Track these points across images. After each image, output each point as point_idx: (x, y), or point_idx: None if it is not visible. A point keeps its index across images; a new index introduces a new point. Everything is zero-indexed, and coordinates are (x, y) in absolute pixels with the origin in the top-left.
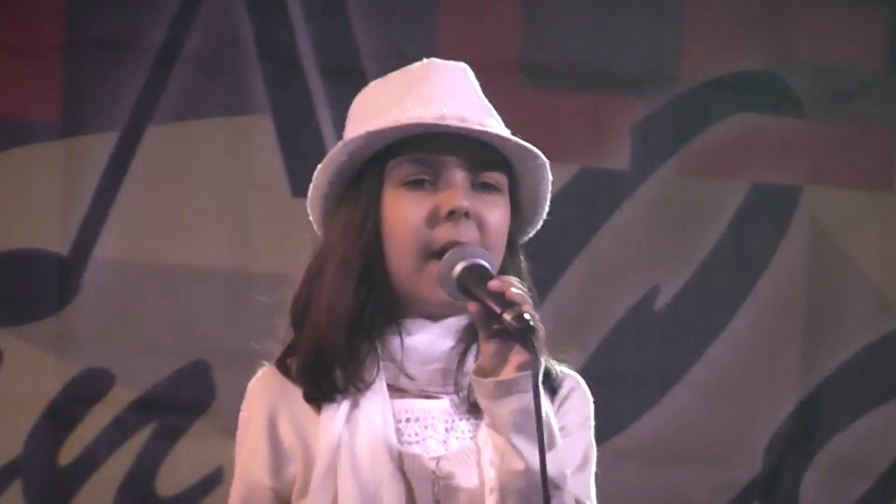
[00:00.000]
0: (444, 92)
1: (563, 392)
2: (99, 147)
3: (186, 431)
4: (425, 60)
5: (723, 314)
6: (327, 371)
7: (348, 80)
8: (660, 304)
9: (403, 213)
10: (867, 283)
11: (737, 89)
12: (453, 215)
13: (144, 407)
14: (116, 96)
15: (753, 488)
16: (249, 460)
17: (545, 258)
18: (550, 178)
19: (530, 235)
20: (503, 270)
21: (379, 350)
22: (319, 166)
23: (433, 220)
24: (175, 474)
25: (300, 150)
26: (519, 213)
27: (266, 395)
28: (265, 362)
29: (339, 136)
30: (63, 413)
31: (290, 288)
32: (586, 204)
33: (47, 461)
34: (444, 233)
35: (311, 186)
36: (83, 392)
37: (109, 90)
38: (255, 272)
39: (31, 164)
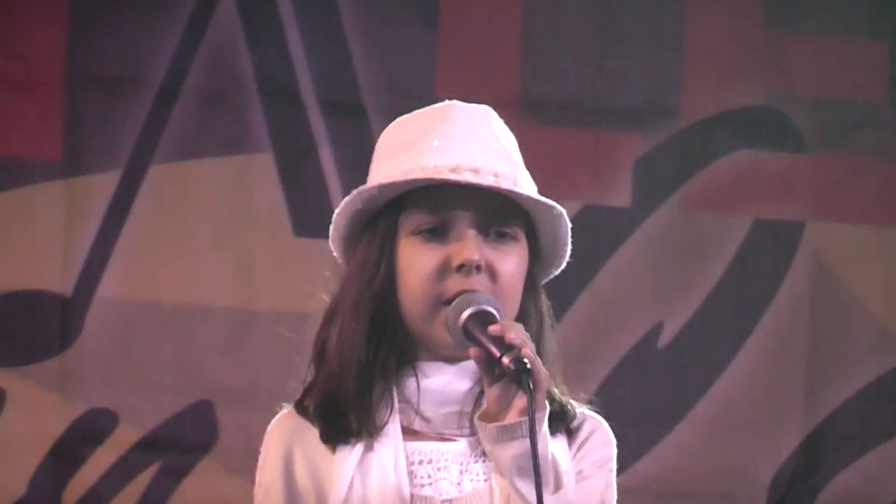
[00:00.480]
0: (462, 137)
1: (582, 434)
2: (101, 186)
3: (191, 470)
4: (448, 102)
5: (726, 350)
6: (341, 414)
7: (349, 116)
8: (663, 340)
9: (415, 263)
10: (871, 318)
11: (738, 125)
12: (463, 269)
13: (149, 446)
14: (117, 134)
15: None
16: (265, 500)
17: (548, 296)
18: (569, 225)
19: (554, 275)
20: (523, 312)
21: (395, 392)
22: (337, 210)
23: (444, 271)
24: None
25: (301, 187)
26: (540, 255)
27: (283, 436)
28: (285, 404)
29: (340, 171)
30: (67, 453)
31: (294, 326)
32: (589, 241)
33: (52, 502)
34: (454, 284)
35: (332, 227)
36: (87, 432)
37: (110, 128)
38: (257, 310)
39: (33, 203)
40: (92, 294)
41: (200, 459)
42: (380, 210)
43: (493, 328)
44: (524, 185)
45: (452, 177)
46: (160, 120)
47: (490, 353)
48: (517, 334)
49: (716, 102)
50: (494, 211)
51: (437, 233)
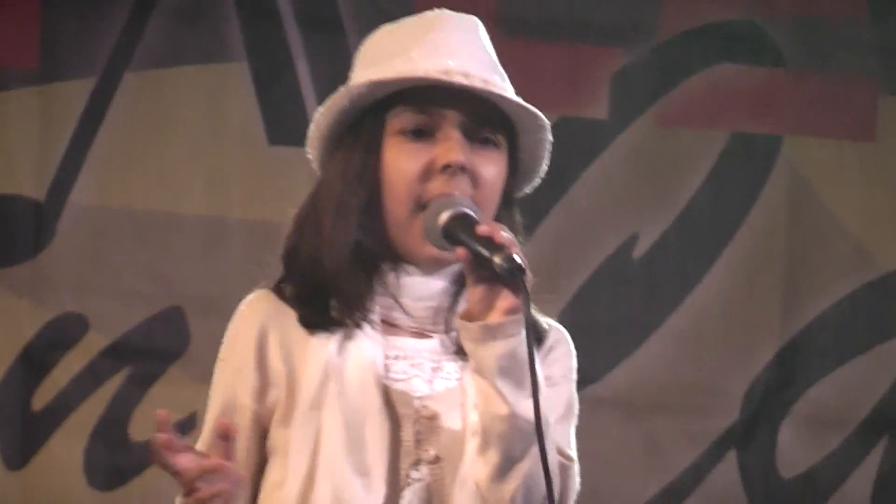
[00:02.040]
0: (451, 44)
1: (548, 343)
2: (76, 93)
3: (160, 377)
4: (437, 10)
5: (702, 263)
6: (324, 300)
7: (326, 30)
8: (638, 252)
9: (400, 163)
10: (847, 232)
11: (717, 39)
12: (448, 169)
13: (118, 353)
14: (94, 43)
15: (731, 436)
16: (234, 378)
17: (523, 206)
18: (550, 138)
19: (526, 192)
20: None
21: (374, 286)
22: (320, 109)
23: (428, 172)
24: (148, 420)
25: (277, 99)
26: (516, 170)
27: (258, 316)
28: (256, 289)
29: (316, 86)
30: (37, 358)
31: (267, 235)
32: (564, 153)
33: (21, 406)
34: (437, 186)
35: (312, 127)
36: (57, 337)
37: (87, 37)
38: (230, 219)
39: (8, 110)
40: (65, 200)
41: (170, 366)
42: (364, 112)
43: (481, 228)
44: (510, 92)
45: (444, 78)
46: (136, 29)
47: (478, 254)
48: (506, 234)
49: (695, 16)
50: (481, 115)
51: (423, 133)
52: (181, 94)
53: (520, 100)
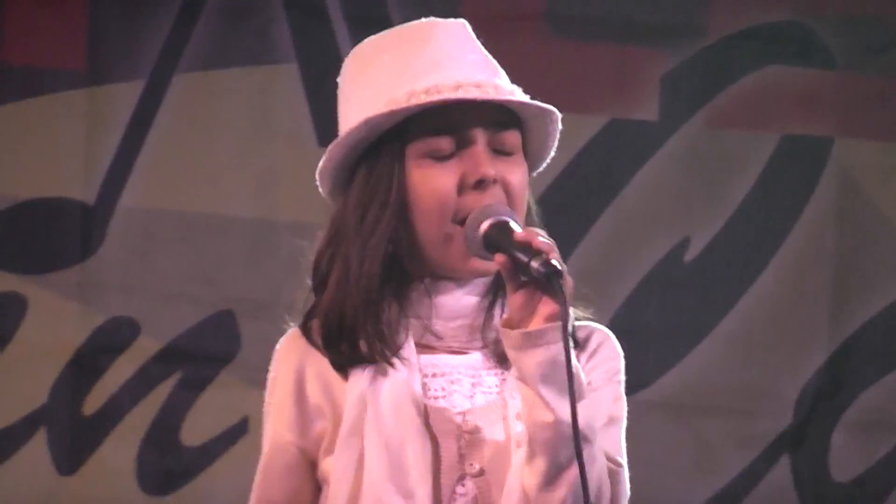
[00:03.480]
0: (451, 55)
1: (591, 346)
2: (124, 96)
3: (212, 381)
4: (423, 20)
5: (753, 266)
6: (352, 340)
7: (375, 28)
8: (689, 256)
9: (431, 184)
10: None
11: (766, 40)
12: (481, 184)
13: (169, 357)
14: (142, 45)
15: (783, 441)
16: (278, 419)
17: (574, 210)
18: (560, 127)
19: (531, 176)
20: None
21: (405, 309)
22: (336, 142)
23: (461, 188)
24: (200, 424)
25: (326, 99)
26: (528, 156)
27: (292, 355)
28: (291, 322)
29: None
30: (88, 362)
31: (316, 237)
32: (615, 156)
33: (72, 410)
34: (472, 200)
35: (324, 160)
36: (108, 341)
37: (134, 38)
38: (279, 221)
39: (56, 112)
40: (114, 203)
41: (221, 370)
42: (379, 136)
43: (519, 235)
44: (517, 91)
45: (461, 94)
46: (184, 31)
47: (517, 259)
48: (544, 240)
49: (743, 18)
50: (498, 123)
51: (447, 151)
52: (230, 95)
53: (531, 100)
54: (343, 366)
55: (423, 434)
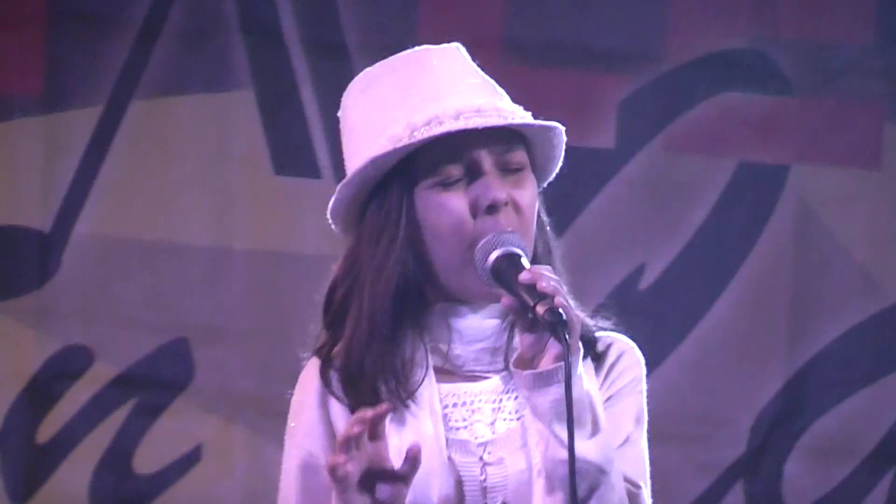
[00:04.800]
0: (449, 83)
1: (610, 358)
2: (81, 122)
3: (166, 409)
4: (418, 48)
5: (709, 293)
6: (372, 387)
7: (331, 56)
8: (645, 282)
9: (443, 212)
10: (854, 262)
11: (723, 67)
12: (493, 209)
13: (124, 384)
14: (99, 71)
15: (738, 467)
16: (307, 440)
17: None
18: (565, 139)
19: (542, 187)
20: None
21: (423, 336)
22: (343, 182)
23: (473, 213)
24: (154, 452)
25: (282, 126)
26: (535, 170)
27: (316, 381)
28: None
29: (322, 113)
30: (42, 389)
31: (272, 264)
32: (571, 182)
33: (26, 438)
34: (485, 226)
35: (334, 199)
36: (63, 368)
37: (92, 64)
38: (235, 249)
39: (13, 139)
40: (70, 230)
41: (176, 397)
42: (386, 171)
43: (523, 276)
44: (518, 111)
45: (462, 125)
46: (141, 57)
47: (523, 302)
48: (548, 282)
49: (701, 45)
50: (503, 143)
51: (455, 179)
52: (187, 121)
53: (532, 119)
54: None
55: (447, 469)
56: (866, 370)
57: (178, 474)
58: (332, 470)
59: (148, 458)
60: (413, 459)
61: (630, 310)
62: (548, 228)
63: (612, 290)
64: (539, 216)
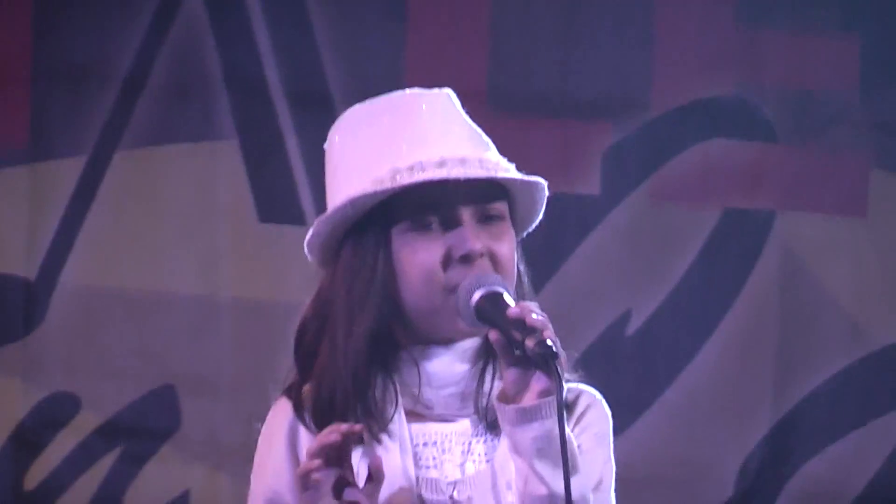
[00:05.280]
0: (436, 130)
1: (579, 409)
2: (66, 172)
3: (152, 456)
4: (408, 91)
5: (695, 339)
6: (342, 420)
7: (316, 107)
8: (631, 329)
9: (417, 258)
10: (840, 309)
11: (708, 115)
12: (468, 258)
13: (111, 432)
14: (84, 122)
15: None
16: (273, 478)
17: None
18: (547, 193)
19: (521, 237)
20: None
21: (394, 378)
22: (321, 218)
23: (447, 263)
24: (141, 499)
25: (267, 176)
26: (515, 221)
27: (284, 420)
28: (274, 395)
29: (307, 162)
30: (29, 438)
31: (258, 314)
32: (557, 229)
33: (13, 486)
34: (458, 275)
35: (311, 232)
36: (49, 417)
37: (77, 116)
38: (221, 298)
39: None
40: (56, 279)
41: (162, 446)
42: (365, 213)
43: (512, 311)
44: (502, 163)
45: (443, 174)
46: (126, 109)
47: (512, 337)
48: (538, 316)
49: (686, 93)
50: (483, 194)
51: (432, 225)
52: (171, 172)
53: (514, 169)
54: None
55: None
56: (853, 415)
57: None
58: (304, 476)
59: None
60: (376, 474)
61: (616, 356)
62: (525, 280)
63: (598, 335)
64: (518, 268)
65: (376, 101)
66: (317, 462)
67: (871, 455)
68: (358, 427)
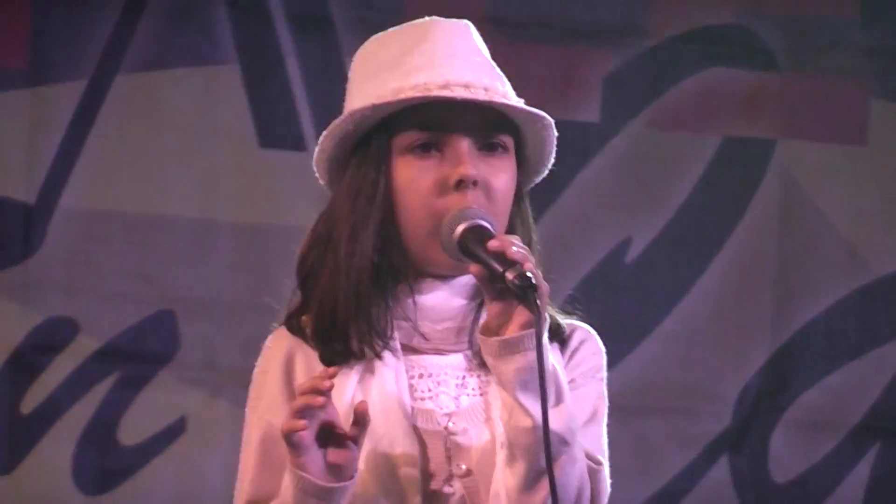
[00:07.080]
0: (447, 53)
1: (573, 344)
2: (66, 95)
3: (150, 381)
4: (427, 18)
5: (694, 267)
6: (343, 334)
7: (316, 29)
8: (630, 256)
9: (412, 181)
10: (840, 237)
11: (708, 42)
12: (461, 185)
13: (108, 356)
14: (84, 45)
15: (723, 440)
16: (269, 412)
17: None
18: (556, 134)
19: (535, 182)
20: (511, 222)
21: (392, 309)
22: (324, 133)
23: (442, 188)
24: (138, 424)
25: (268, 100)
26: (524, 164)
27: (281, 351)
28: (274, 324)
29: (307, 86)
30: (26, 361)
31: (257, 237)
32: (557, 156)
33: (9, 409)
34: (453, 201)
35: (317, 150)
36: (47, 340)
37: (77, 38)
38: (220, 221)
39: None
40: (55, 203)
41: (160, 370)
42: (369, 130)
43: (492, 244)
44: (511, 96)
45: (446, 93)
46: (127, 31)
47: (492, 270)
48: (518, 249)
49: (685, 20)
50: (486, 124)
51: (431, 148)
52: (172, 96)
53: (522, 104)
54: (333, 361)
55: (411, 436)
56: (852, 343)
57: (162, 446)
58: (288, 434)
59: (132, 429)
60: (361, 419)
61: (615, 284)
62: (531, 222)
63: (597, 263)
64: (522, 208)
65: (397, 27)
66: (301, 422)
67: (870, 384)
68: (333, 370)
